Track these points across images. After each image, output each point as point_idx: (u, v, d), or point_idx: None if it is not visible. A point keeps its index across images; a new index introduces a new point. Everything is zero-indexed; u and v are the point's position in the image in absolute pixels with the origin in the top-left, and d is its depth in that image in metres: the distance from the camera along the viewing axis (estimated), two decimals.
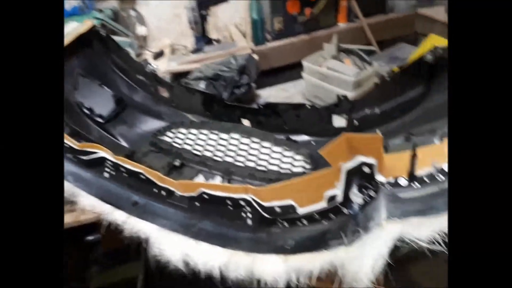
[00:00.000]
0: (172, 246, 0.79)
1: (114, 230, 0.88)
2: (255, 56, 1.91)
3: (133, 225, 0.86)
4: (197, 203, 0.84)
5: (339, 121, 1.16)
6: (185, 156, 1.19)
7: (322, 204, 0.64)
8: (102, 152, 0.95)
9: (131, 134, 1.35)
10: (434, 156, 0.57)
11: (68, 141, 0.97)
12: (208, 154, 1.20)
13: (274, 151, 1.17)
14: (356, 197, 0.57)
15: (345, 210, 0.61)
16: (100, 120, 1.32)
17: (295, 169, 1.10)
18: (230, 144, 1.22)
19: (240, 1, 2.32)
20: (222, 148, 1.21)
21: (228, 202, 0.79)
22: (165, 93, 1.41)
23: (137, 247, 0.88)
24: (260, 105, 1.26)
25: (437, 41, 1.53)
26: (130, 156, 1.18)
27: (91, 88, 1.37)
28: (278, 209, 0.72)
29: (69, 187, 0.95)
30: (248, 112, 1.29)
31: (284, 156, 1.15)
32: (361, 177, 0.56)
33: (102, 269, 1.58)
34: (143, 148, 1.26)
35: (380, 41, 2.26)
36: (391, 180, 0.56)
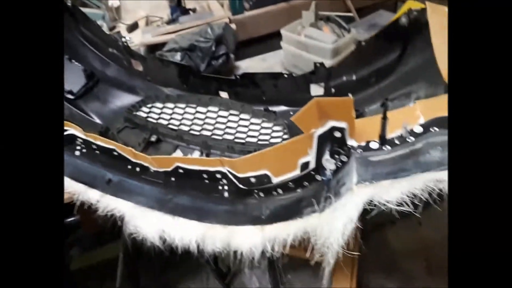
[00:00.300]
0: (148, 223, 0.78)
1: (90, 211, 0.86)
2: (233, 26, 1.85)
3: (107, 203, 0.84)
4: (172, 178, 0.82)
5: (316, 89, 1.14)
6: (161, 131, 1.16)
7: (296, 172, 0.64)
8: (72, 130, 0.91)
9: (104, 110, 1.30)
10: (406, 118, 0.56)
11: None
12: (185, 128, 1.17)
13: (252, 123, 1.15)
14: (329, 163, 0.56)
15: (318, 177, 0.60)
16: (70, 96, 1.27)
17: (273, 140, 1.09)
18: (208, 117, 1.19)
19: None
20: (200, 122, 1.18)
21: (204, 175, 0.77)
22: (139, 67, 1.35)
23: (117, 227, 0.87)
24: (237, 75, 1.22)
25: (414, 5, 1.50)
26: (104, 133, 1.15)
27: None
28: (253, 179, 0.71)
29: None
30: (225, 84, 1.26)
31: (263, 127, 1.13)
32: (332, 142, 0.55)
33: (82, 251, 1.57)
34: (117, 124, 1.22)
35: (360, 8, 2.22)
36: (363, 144, 0.55)
